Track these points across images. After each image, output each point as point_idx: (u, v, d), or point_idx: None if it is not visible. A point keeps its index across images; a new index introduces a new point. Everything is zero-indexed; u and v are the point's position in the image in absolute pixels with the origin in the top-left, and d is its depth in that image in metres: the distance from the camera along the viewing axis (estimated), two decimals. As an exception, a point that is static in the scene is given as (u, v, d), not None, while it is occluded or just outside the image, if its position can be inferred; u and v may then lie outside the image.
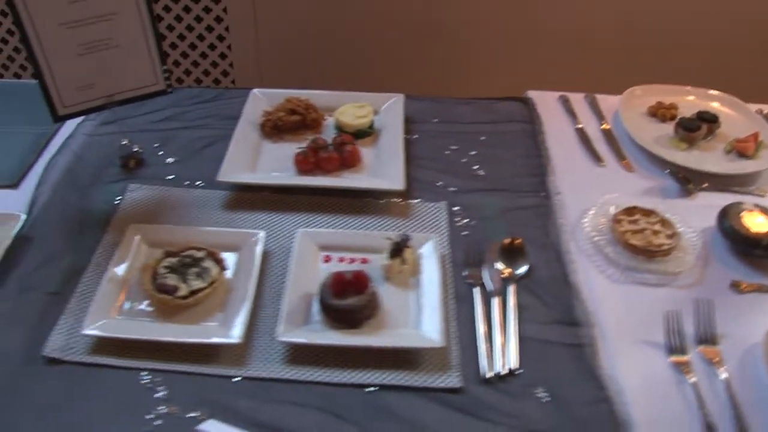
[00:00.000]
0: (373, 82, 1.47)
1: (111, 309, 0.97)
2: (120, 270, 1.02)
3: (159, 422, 0.86)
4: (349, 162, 1.19)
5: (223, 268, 1.00)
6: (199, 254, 1.01)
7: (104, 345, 0.94)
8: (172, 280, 0.98)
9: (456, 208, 1.15)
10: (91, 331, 0.93)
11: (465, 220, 1.13)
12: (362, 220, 1.13)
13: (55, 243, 1.09)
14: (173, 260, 1.01)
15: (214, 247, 1.03)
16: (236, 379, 0.91)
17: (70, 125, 1.31)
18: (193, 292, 0.97)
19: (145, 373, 0.91)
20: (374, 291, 0.97)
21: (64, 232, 1.11)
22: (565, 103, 1.41)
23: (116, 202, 1.16)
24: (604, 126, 1.34)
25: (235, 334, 0.93)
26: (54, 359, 0.93)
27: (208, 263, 1.00)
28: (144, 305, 0.99)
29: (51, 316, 0.98)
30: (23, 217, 1.10)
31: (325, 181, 1.16)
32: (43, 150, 1.27)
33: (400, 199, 1.16)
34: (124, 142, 1.22)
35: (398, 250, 1.02)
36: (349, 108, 1.27)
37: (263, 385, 0.90)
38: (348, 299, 0.95)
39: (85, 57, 1.10)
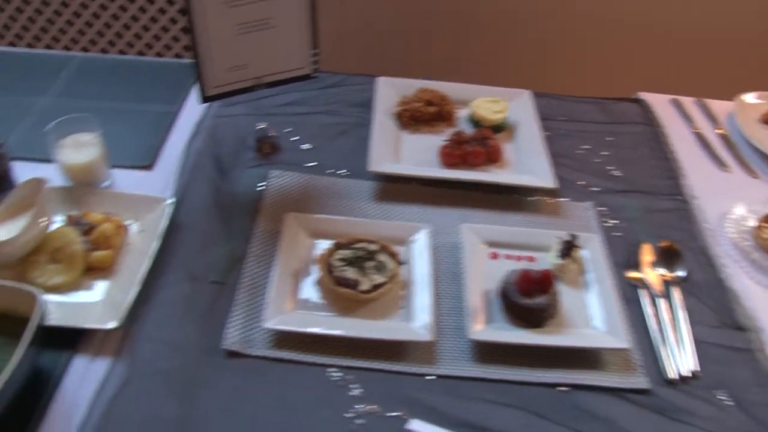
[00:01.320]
0: (471, 75, 1.45)
1: (286, 302, 0.94)
2: (287, 261, 0.99)
3: (361, 421, 0.84)
4: (492, 157, 1.18)
5: (399, 262, 0.99)
6: (372, 247, 0.99)
7: (284, 339, 0.91)
8: (351, 273, 0.96)
9: (603, 209, 1.16)
10: (274, 325, 0.90)
11: (614, 221, 1.14)
12: (513, 217, 1.12)
13: (206, 229, 1.05)
14: (347, 253, 0.98)
15: (377, 239, 1.01)
16: (429, 377, 0.90)
17: (193, 105, 1.26)
18: (376, 287, 0.95)
19: (334, 369, 0.89)
20: (557, 290, 0.97)
21: (213, 218, 1.06)
22: (678, 106, 1.43)
23: (259, 188, 1.12)
24: (719, 131, 1.37)
25: (425, 330, 0.91)
26: (233, 352, 0.90)
27: (383, 257, 0.98)
28: (317, 298, 0.96)
29: (220, 307, 0.95)
30: (170, 200, 1.05)
31: (482, 176, 1.15)
32: (169, 130, 1.22)
33: (549, 198, 1.15)
34: (260, 126, 1.18)
35: (569, 248, 1.02)
36: (483, 102, 1.25)
37: (454, 383, 0.89)
38: (536, 298, 0.95)
39: (241, 37, 1.06)
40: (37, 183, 1.00)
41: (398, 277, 0.97)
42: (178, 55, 1.94)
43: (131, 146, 1.16)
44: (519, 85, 1.36)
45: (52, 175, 1.06)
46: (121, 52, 2.01)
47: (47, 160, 1.11)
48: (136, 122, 1.22)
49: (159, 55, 1.99)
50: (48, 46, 2.02)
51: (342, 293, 0.94)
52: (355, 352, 0.90)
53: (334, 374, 0.89)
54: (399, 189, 1.14)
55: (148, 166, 1.15)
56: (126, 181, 1.12)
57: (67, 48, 2.00)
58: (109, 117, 1.16)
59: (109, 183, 1.11)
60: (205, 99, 1.09)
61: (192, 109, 1.27)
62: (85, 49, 2.01)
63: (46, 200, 1.00)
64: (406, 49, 1.88)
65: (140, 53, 1.99)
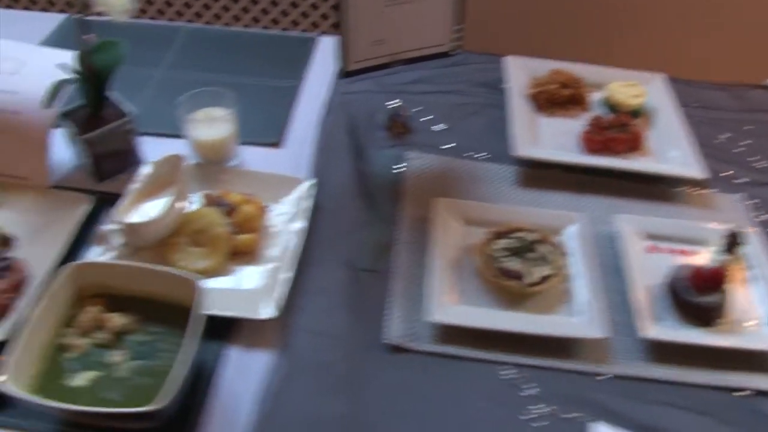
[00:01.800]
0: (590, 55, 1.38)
1: (446, 294, 0.89)
2: (442, 250, 0.93)
3: (539, 424, 0.79)
4: (634, 144, 1.11)
5: (563, 253, 0.93)
6: (532, 237, 0.93)
7: (447, 333, 0.86)
8: (514, 264, 0.90)
9: (755, 201, 1.09)
10: (440, 319, 0.85)
11: (766, 216, 1.08)
12: (661, 208, 1.06)
13: (348, 213, 0.99)
14: (507, 242, 0.93)
15: (532, 227, 0.95)
16: (601, 377, 0.85)
17: (313, 80, 1.20)
18: (542, 279, 0.89)
19: (504, 366, 0.84)
20: (727, 288, 0.92)
21: (354, 201, 1.01)
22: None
23: (397, 171, 1.06)
24: None
25: (596, 327, 0.86)
26: (395, 347, 0.84)
27: (544, 247, 0.93)
28: (477, 290, 0.91)
29: (374, 296, 0.89)
30: (309, 182, 1.00)
31: (633, 165, 1.08)
32: (293, 106, 1.16)
33: (696, 189, 1.09)
34: (392, 104, 1.12)
35: (733, 244, 0.96)
36: (619, 86, 1.19)
37: (628, 383, 0.84)
38: (709, 296, 0.89)
39: (388, 10, 0.99)
40: (176, 160, 0.94)
41: (564, 269, 0.91)
42: (285, 29, 1.85)
43: (255, 122, 1.10)
44: (637, 68, 1.29)
45: (176, 150, 1.01)
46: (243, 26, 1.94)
47: (168, 135, 1.06)
48: (257, 97, 1.16)
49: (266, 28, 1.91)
50: (153, 18, 1.96)
51: (507, 286, 0.89)
52: (523, 349, 0.85)
53: (503, 372, 0.83)
54: (541, 175, 1.08)
55: (275, 144, 1.09)
56: (254, 159, 1.06)
57: (173, 18, 1.93)
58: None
59: (237, 161, 1.05)
60: (346, 74, 1.03)
61: (312, 85, 1.21)
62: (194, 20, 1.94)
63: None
64: (520, 27, 1.78)
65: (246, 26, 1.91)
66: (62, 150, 1.03)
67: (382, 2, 0.98)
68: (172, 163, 0.94)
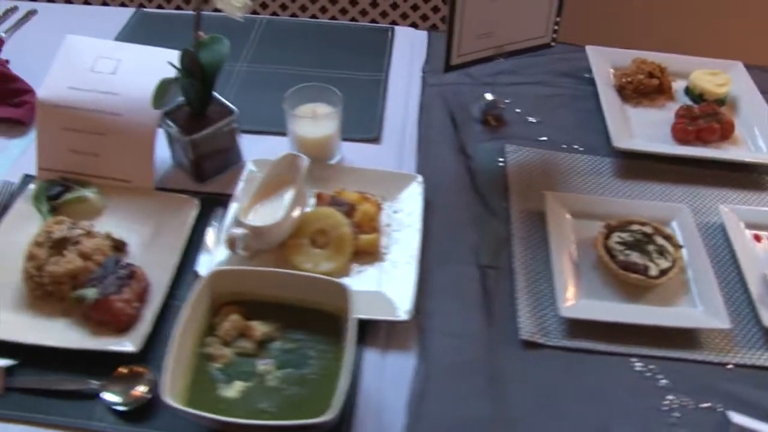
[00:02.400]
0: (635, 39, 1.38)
1: (571, 288, 0.89)
2: (559, 244, 0.93)
3: (678, 414, 0.80)
4: (725, 133, 1.12)
5: (677, 246, 0.94)
6: (647, 229, 0.94)
7: (576, 327, 0.87)
8: (636, 258, 0.91)
9: None
10: (572, 314, 0.86)
11: None
12: (755, 196, 1.07)
13: (459, 209, 0.99)
14: (624, 236, 0.93)
15: (643, 219, 0.96)
16: (729, 366, 0.86)
17: (397, 73, 1.19)
18: (663, 272, 0.90)
19: (635, 359, 0.85)
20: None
21: (463, 196, 1.01)
22: None
23: (500, 164, 1.06)
24: None
25: (721, 318, 0.87)
26: (529, 343, 0.85)
27: (660, 240, 0.94)
28: (599, 284, 0.91)
29: (499, 293, 0.90)
30: (420, 179, 0.99)
31: (740, 155, 1.10)
32: (385, 100, 1.15)
33: (789, 176, 1.11)
34: (488, 97, 1.11)
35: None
36: (703, 74, 1.19)
37: (754, 372, 0.85)
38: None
39: (495, 3, 0.98)
40: (294, 159, 0.93)
41: (681, 261, 0.93)
42: (353, 19, 1.83)
43: (351, 117, 1.09)
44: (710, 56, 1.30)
45: (272, 147, 1.00)
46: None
47: (258, 132, 1.05)
48: (346, 91, 1.14)
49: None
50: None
51: (632, 279, 0.90)
52: (648, 341, 0.86)
53: (637, 364, 0.85)
54: (637, 166, 1.08)
55: (375, 140, 1.08)
56: (354, 155, 1.05)
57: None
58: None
59: (339, 158, 1.04)
60: (448, 68, 1.02)
61: (396, 77, 1.20)
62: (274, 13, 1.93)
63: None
64: (595, 16, 1.77)
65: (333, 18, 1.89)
66: (158, 150, 1.01)
67: (488, -5, 0.97)
68: (289, 162, 0.93)
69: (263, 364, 0.77)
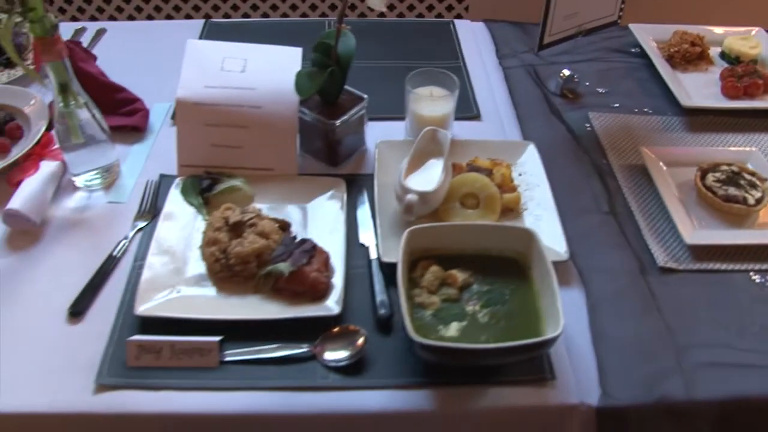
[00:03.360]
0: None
1: (688, 222, 1.02)
2: (667, 189, 1.07)
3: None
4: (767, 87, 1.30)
5: (763, 179, 1.09)
6: (734, 168, 1.09)
7: (702, 252, 0.99)
8: (733, 191, 1.05)
9: None
10: (698, 241, 0.99)
11: None
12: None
13: (569, 168, 1.11)
14: (718, 175, 1.08)
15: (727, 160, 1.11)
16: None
17: (472, 59, 1.30)
18: (758, 201, 1.05)
19: (753, 273, 0.99)
20: None
21: (568, 157, 1.13)
22: None
23: (588, 129, 1.19)
24: None
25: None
26: (666, 269, 0.97)
27: (747, 176, 1.09)
28: (703, 217, 1.05)
29: (627, 233, 1.02)
30: (531, 144, 1.10)
31: None
32: (472, 83, 1.26)
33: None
34: (566, 73, 1.24)
35: None
36: (735, 39, 1.38)
37: None
38: None
39: (580, -16, 1.12)
40: (434, 134, 1.03)
41: (768, 191, 1.08)
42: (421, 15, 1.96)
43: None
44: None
45: (388, 130, 1.11)
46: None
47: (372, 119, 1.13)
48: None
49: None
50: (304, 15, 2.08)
51: (734, 209, 1.04)
52: (762, 257, 1.00)
53: (755, 277, 0.98)
54: (702, 121, 1.24)
55: (476, 117, 1.19)
56: (463, 132, 1.15)
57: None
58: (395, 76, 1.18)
59: (450, 134, 1.14)
60: (541, 47, 1.14)
61: (472, 64, 1.31)
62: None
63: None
64: None
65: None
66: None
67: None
68: (430, 137, 1.02)
69: (471, 305, 0.86)
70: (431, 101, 1.09)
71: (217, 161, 1.04)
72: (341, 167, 1.09)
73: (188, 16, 2.09)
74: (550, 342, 0.78)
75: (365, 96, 1.06)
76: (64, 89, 0.98)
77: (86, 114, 1.00)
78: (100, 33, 1.39)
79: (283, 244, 0.93)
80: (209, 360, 0.84)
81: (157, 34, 1.42)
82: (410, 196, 0.94)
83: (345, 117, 1.03)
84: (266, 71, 1.06)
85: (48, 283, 0.94)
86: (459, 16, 2.07)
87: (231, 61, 1.07)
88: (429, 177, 0.99)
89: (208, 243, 0.92)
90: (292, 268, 0.89)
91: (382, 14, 1.85)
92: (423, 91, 1.09)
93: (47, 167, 1.05)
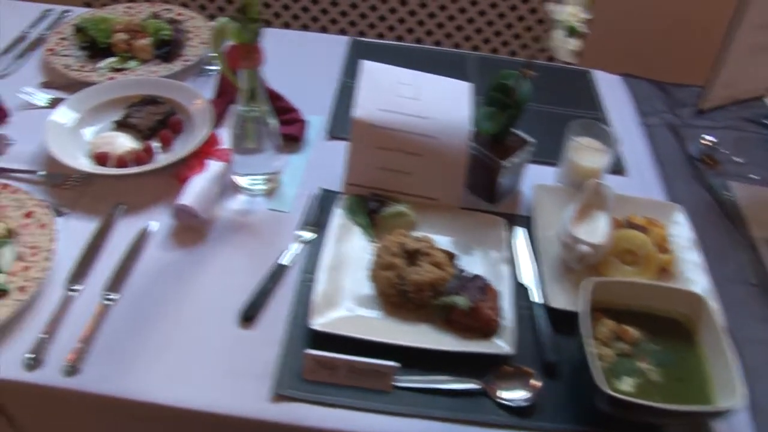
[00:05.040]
0: None
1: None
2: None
3: None
4: None
5: None
6: None
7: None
8: None
9: None
10: None
11: None
12: None
13: (715, 235, 1.13)
14: None
15: None
16: None
17: (614, 111, 1.33)
18: None
19: None
20: None
21: (712, 222, 1.15)
22: None
23: (727, 197, 1.21)
24: None
25: None
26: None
27: None
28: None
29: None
30: (680, 207, 1.12)
31: None
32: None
33: None
34: (709, 139, 1.27)
35: None
36: None
37: None
38: None
39: (755, 57, 1.15)
40: (598, 186, 1.05)
41: None
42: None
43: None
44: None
45: (539, 174, 1.14)
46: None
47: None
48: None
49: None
50: (437, 43, 2.11)
51: None
52: None
53: None
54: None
55: (621, 171, 1.21)
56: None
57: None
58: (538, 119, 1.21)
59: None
60: (700, 112, 1.17)
61: (614, 116, 1.33)
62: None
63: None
64: None
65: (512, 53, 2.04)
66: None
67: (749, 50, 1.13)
68: (594, 189, 1.04)
69: (643, 363, 0.87)
70: (591, 152, 1.11)
71: (384, 184, 1.06)
72: (497, 205, 1.11)
73: (343, 31, 2.13)
74: (731, 412, 0.80)
75: (533, 140, 1.08)
76: (252, 95, 1.00)
77: (265, 121, 1.02)
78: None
79: (456, 277, 0.95)
80: (384, 383, 0.86)
81: (308, 45, 1.45)
82: (584, 248, 0.96)
83: (514, 158, 1.06)
84: (438, 101, 1.08)
85: (216, 283, 0.97)
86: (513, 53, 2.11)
87: (405, 87, 1.09)
88: (595, 229, 1.01)
89: (383, 267, 0.94)
90: (470, 304, 0.90)
91: (513, 53, 1.89)
92: (584, 141, 1.12)
93: (214, 167, 1.07)
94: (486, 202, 1.11)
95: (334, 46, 1.45)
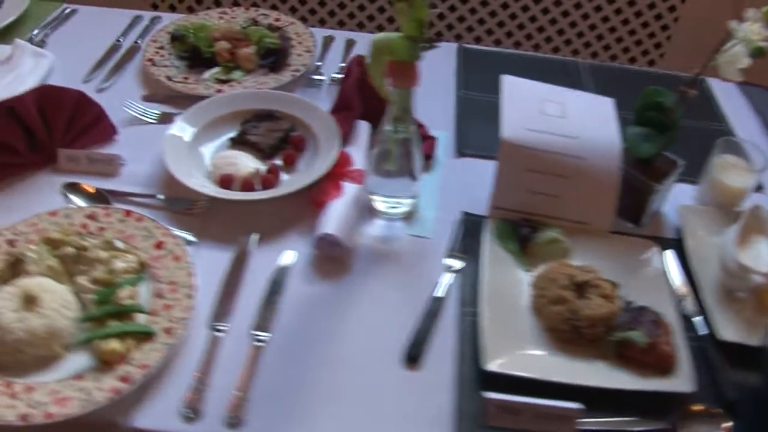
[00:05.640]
0: None
1: None
2: None
3: None
4: None
5: None
6: None
7: None
8: None
9: None
10: None
11: None
12: None
13: None
14: None
15: None
16: None
17: (739, 123, 1.28)
18: None
19: None
20: None
21: None
22: None
23: None
24: None
25: None
26: None
27: None
28: None
29: None
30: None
31: None
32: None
33: None
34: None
35: None
36: None
37: None
38: None
39: None
40: (757, 210, 1.00)
41: None
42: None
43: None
44: None
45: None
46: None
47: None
48: (695, 140, 1.20)
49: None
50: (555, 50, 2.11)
51: None
52: None
53: None
54: None
55: (760, 189, 1.16)
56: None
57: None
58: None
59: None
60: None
61: (741, 129, 1.28)
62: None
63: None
64: None
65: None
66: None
67: None
68: (754, 212, 1.00)
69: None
70: (739, 172, 1.06)
71: (532, 208, 1.01)
72: (642, 228, 1.06)
73: (439, 33, 2.08)
74: None
75: (681, 162, 1.03)
76: (402, 116, 0.94)
77: (411, 143, 0.97)
78: (350, 44, 1.36)
79: (625, 310, 0.90)
80: (567, 427, 0.82)
81: None
82: (758, 278, 0.92)
83: (667, 180, 1.01)
84: (585, 119, 1.03)
85: (370, 318, 0.92)
86: (652, 63, 2.04)
87: (550, 105, 1.04)
88: (758, 255, 0.96)
89: (553, 301, 0.89)
90: (647, 340, 0.86)
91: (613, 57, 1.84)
92: (731, 160, 1.07)
93: (351, 190, 1.02)
94: (631, 224, 1.06)
95: (441, 54, 1.38)
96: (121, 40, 1.37)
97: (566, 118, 1.03)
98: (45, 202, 1.02)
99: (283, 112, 1.15)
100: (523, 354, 0.87)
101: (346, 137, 1.10)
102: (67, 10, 1.45)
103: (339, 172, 1.04)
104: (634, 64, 2.11)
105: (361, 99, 1.13)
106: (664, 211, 1.10)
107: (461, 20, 2.00)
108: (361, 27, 2.15)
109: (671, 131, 0.99)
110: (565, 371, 0.85)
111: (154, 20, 1.43)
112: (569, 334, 0.89)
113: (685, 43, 2.03)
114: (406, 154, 0.97)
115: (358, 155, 1.07)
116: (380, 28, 2.11)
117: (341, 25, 2.14)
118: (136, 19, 1.44)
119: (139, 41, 1.36)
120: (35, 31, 1.38)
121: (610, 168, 1.00)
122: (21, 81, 1.22)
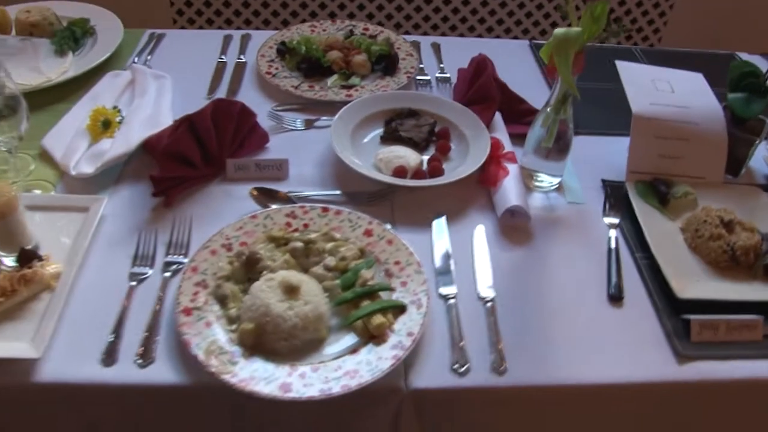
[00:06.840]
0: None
1: None
2: None
3: None
4: None
5: None
6: None
7: None
8: None
9: None
10: None
11: None
12: None
13: None
14: None
15: None
16: None
17: None
18: None
19: None
20: None
21: None
22: None
23: None
24: None
25: None
26: None
27: None
28: None
29: None
30: None
31: None
32: None
33: None
34: None
35: None
36: None
37: None
38: None
39: None
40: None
41: None
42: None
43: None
44: None
45: None
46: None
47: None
48: None
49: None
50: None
51: None
52: None
53: None
54: None
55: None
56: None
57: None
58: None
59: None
60: None
61: None
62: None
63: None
64: None
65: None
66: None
67: None
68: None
69: None
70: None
71: (661, 169, 1.20)
72: (739, 178, 1.27)
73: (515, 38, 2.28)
74: None
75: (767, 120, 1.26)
76: (564, 99, 1.10)
77: (568, 124, 1.13)
78: (436, 47, 1.50)
79: (764, 239, 1.11)
80: (755, 334, 1.00)
81: (490, 51, 1.52)
82: None
83: (761, 135, 1.23)
84: (690, 92, 1.23)
85: (568, 273, 1.06)
86: (651, 45, 2.32)
87: (660, 83, 1.23)
88: None
89: (713, 238, 1.08)
90: (790, 262, 1.07)
91: (646, 39, 2.06)
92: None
93: (513, 169, 1.16)
94: (731, 176, 1.27)
95: (519, 50, 1.55)
96: (223, 57, 1.43)
97: (675, 92, 1.23)
98: (226, 208, 1.10)
99: (421, 109, 1.27)
100: (699, 283, 1.05)
101: (488, 126, 1.25)
102: (156, 35, 1.49)
103: (496, 155, 1.18)
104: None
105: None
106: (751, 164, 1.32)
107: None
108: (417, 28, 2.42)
109: None
110: (734, 292, 1.04)
111: (245, 37, 1.50)
112: (726, 263, 1.08)
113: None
114: (565, 132, 1.13)
115: (504, 140, 1.22)
116: (434, 28, 2.38)
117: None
118: (228, 39, 1.50)
119: (242, 57, 1.43)
120: (134, 57, 1.41)
121: (719, 130, 1.21)
122: (150, 102, 1.26)
